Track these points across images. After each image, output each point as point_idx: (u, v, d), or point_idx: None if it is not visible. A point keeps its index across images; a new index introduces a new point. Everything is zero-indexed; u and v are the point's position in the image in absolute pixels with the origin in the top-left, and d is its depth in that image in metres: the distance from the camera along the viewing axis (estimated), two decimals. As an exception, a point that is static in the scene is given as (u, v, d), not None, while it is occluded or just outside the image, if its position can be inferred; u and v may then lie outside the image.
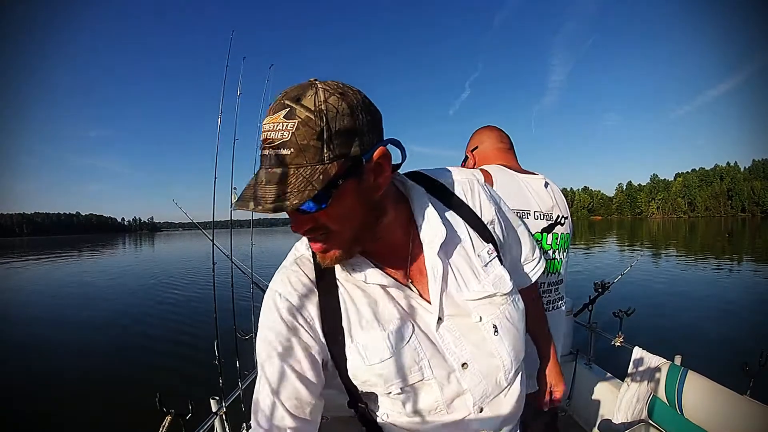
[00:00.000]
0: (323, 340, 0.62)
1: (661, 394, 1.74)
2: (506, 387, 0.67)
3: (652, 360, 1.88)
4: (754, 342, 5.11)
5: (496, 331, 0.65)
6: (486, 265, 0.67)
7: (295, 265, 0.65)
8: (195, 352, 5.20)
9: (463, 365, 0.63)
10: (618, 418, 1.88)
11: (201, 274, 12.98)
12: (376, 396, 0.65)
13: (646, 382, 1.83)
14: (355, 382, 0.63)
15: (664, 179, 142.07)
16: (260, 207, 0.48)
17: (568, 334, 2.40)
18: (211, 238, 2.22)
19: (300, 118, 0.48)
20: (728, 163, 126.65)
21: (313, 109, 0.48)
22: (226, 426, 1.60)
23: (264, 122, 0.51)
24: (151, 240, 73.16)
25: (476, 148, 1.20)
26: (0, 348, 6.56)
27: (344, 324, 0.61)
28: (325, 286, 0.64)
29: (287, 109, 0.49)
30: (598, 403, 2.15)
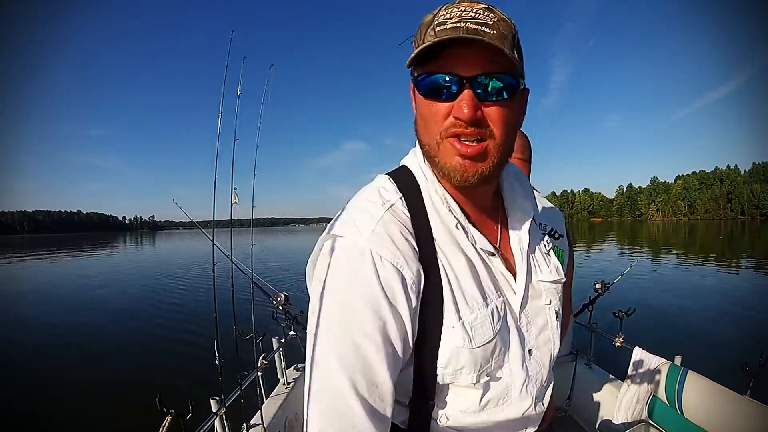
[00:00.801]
0: (419, 314, 0.51)
1: (661, 394, 1.74)
2: (553, 377, 0.66)
3: (652, 360, 1.88)
4: (754, 342, 5.11)
5: (557, 317, 0.63)
6: (548, 253, 0.67)
7: (391, 215, 0.52)
8: (195, 352, 5.20)
9: (529, 351, 0.59)
10: (618, 418, 1.88)
11: (201, 274, 12.98)
12: (446, 391, 0.56)
13: (646, 382, 1.83)
14: (443, 371, 0.52)
15: (664, 181, 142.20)
16: (485, 38, 0.44)
17: (568, 334, 2.40)
18: (211, 238, 2.22)
19: (499, 16, 0.47)
20: (728, 166, 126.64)
21: (506, 15, 0.49)
22: (226, 426, 1.60)
23: (451, 6, 0.48)
24: (152, 239, 73.08)
25: None
26: (0, 347, 6.57)
27: (446, 297, 0.51)
28: (426, 247, 0.52)
29: (485, 5, 0.48)
30: (598, 403, 2.15)
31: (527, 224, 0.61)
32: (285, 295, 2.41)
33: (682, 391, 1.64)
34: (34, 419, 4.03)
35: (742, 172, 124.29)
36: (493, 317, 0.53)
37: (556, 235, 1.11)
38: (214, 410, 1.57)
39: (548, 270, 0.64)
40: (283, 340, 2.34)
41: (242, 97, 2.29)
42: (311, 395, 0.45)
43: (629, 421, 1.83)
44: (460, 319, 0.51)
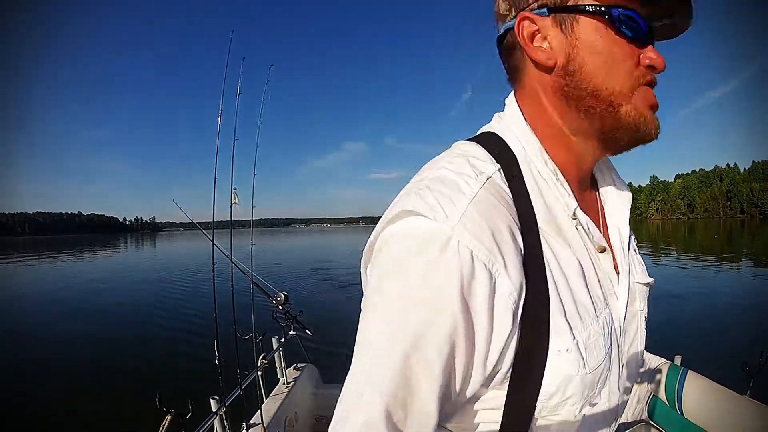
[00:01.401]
0: (517, 336, 0.37)
1: (661, 394, 1.74)
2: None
3: (652, 360, 1.88)
4: (754, 342, 5.11)
5: (646, 325, 0.53)
6: (635, 250, 0.55)
7: (488, 192, 0.37)
8: (195, 352, 5.19)
9: (621, 367, 0.47)
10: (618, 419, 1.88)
11: (201, 274, 13.00)
12: (540, 427, 0.42)
13: (645, 382, 1.83)
14: (545, 403, 0.39)
15: (664, 180, 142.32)
16: None
17: None
18: (210, 238, 2.23)
19: None
20: (728, 165, 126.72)
21: None
22: (226, 426, 1.60)
23: None
24: (153, 240, 73.11)
25: None
26: (1, 348, 6.57)
27: (554, 311, 0.38)
28: (530, 240, 0.39)
29: None
30: None
31: (627, 212, 0.51)
32: (285, 294, 2.42)
33: (682, 391, 1.64)
34: (34, 419, 4.03)
35: (742, 171, 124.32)
36: (605, 333, 0.42)
37: None
38: (213, 410, 1.57)
39: (641, 270, 0.53)
40: (282, 340, 2.34)
41: (242, 97, 2.30)
42: (339, 416, 0.36)
43: (629, 421, 1.82)
44: (574, 338, 0.38)
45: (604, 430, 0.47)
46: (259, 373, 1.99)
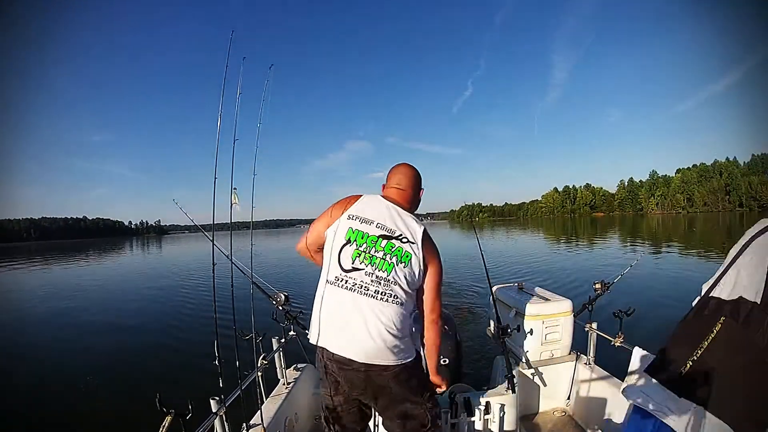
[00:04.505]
0: None
1: None
2: None
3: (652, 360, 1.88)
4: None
5: None
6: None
7: None
8: (195, 352, 5.20)
9: None
10: (618, 418, 1.87)
11: (202, 275, 13.01)
12: None
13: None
14: None
15: (665, 175, 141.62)
16: None
17: (568, 334, 2.40)
18: (211, 238, 2.23)
19: None
20: (727, 159, 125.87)
21: None
22: (226, 426, 1.61)
23: None
24: (159, 243, 73.22)
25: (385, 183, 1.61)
26: (3, 348, 6.61)
27: None
28: None
29: None
30: (598, 403, 2.14)
31: None
32: (285, 295, 2.42)
33: None
34: (33, 419, 4.05)
35: (741, 165, 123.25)
36: None
37: (404, 240, 1.39)
38: (214, 410, 1.58)
39: None
40: (282, 340, 2.34)
41: (243, 98, 2.29)
42: None
43: None
44: None
45: None
46: (259, 373, 1.99)
